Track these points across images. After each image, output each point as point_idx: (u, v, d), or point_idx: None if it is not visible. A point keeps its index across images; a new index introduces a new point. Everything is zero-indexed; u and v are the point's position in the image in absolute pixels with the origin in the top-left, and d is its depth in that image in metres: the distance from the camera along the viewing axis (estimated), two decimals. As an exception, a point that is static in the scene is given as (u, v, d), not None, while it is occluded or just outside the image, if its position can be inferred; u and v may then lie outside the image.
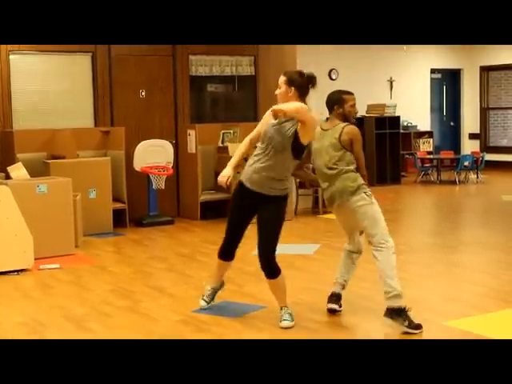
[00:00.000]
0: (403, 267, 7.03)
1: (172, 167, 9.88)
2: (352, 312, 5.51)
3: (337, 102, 5.30)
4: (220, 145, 10.41)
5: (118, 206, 9.54)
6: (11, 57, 9.47)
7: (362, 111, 14.38)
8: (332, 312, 5.47)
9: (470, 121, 17.25)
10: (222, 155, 9.99)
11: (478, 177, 14.28)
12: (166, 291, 6.31)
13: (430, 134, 16.02)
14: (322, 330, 5.16)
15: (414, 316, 5.02)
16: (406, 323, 4.98)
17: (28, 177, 8.27)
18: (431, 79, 16.61)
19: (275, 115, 4.89)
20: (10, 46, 9.37)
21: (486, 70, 16.92)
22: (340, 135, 5.18)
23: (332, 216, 10.04)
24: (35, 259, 7.22)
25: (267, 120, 5.19)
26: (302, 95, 5.10)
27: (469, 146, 16.91)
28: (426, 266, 7.19)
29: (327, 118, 5.39)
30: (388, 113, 14.29)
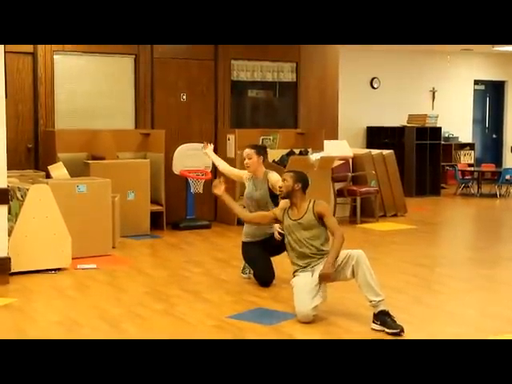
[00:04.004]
0: (441, 280, 7.01)
1: (211, 171, 9.89)
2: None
3: None
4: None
5: (156, 208, 9.59)
6: (55, 57, 9.57)
7: (403, 121, 14.28)
8: None
9: (513, 134, 17.05)
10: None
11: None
12: (201, 296, 6.30)
13: (471, 146, 15.85)
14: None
15: (448, 331, 4.90)
16: None
17: (68, 176, 8.35)
18: (474, 90, 16.44)
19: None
20: (54, 47, 9.46)
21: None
22: None
23: (370, 226, 10.09)
24: (72, 259, 7.28)
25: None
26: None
27: (511, 160, 16.69)
28: (464, 280, 7.08)
29: None
30: (429, 123, 14.14)
